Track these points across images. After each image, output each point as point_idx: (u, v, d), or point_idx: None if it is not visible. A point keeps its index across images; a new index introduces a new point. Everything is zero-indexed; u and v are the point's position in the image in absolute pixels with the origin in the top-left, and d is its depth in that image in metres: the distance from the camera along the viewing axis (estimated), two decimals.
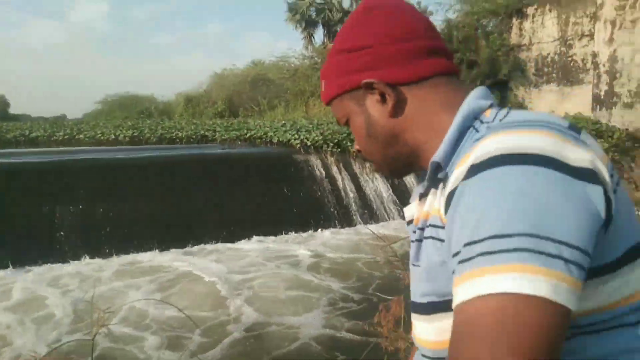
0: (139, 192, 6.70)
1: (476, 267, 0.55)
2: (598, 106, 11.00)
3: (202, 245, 6.58)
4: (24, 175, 6.37)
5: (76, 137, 9.31)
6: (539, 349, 0.51)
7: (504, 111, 0.72)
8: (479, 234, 0.56)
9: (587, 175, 0.58)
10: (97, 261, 5.97)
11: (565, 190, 0.56)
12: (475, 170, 0.60)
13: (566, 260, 0.53)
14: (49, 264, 5.75)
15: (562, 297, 0.53)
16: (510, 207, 0.55)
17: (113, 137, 9.29)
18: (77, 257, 5.97)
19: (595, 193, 0.58)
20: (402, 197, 8.21)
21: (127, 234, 6.32)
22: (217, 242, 6.69)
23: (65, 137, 9.30)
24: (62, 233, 6.10)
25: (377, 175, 8.39)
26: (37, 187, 6.26)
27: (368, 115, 0.82)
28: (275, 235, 7.03)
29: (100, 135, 9.34)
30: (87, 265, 5.88)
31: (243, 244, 6.73)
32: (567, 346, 0.61)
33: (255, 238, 6.90)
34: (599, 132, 10.72)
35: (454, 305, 0.57)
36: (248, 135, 9.47)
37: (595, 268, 0.60)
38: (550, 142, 0.59)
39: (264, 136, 9.28)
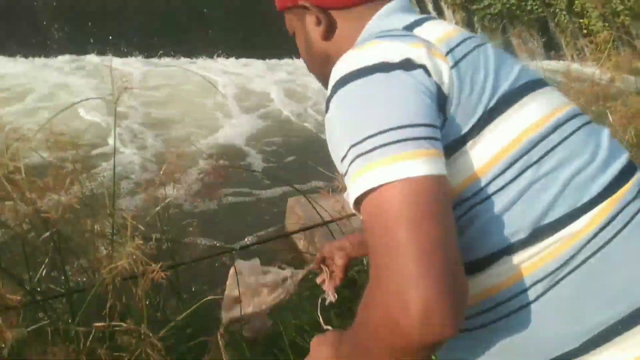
0: None
1: (354, 169, 0.63)
2: None
3: None
4: None
5: None
6: (434, 214, 0.58)
7: (389, 23, 0.78)
8: (342, 150, 0.64)
9: (403, 65, 0.66)
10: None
11: (388, 86, 0.65)
12: (327, 99, 0.70)
13: (415, 139, 0.61)
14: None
15: (428, 168, 0.59)
16: (351, 120, 0.65)
17: None
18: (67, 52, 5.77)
19: (417, 75, 0.65)
20: None
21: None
22: None
23: None
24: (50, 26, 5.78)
25: None
26: None
27: (307, 34, 0.89)
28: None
29: None
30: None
31: None
32: (467, 219, 0.68)
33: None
34: None
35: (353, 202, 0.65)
36: None
37: (460, 137, 0.67)
38: (374, 52, 0.67)
39: None
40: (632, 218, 0.67)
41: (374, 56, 0.67)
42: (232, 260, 1.33)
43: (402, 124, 0.62)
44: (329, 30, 0.86)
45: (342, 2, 0.84)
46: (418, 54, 0.67)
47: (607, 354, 0.64)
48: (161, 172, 1.49)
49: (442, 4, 8.80)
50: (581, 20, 9.81)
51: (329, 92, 0.70)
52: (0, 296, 1.09)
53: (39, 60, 5.60)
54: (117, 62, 5.83)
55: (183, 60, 6.38)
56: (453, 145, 0.67)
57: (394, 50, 0.67)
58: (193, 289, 1.89)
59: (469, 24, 8.88)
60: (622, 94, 3.19)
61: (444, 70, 0.67)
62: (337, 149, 0.67)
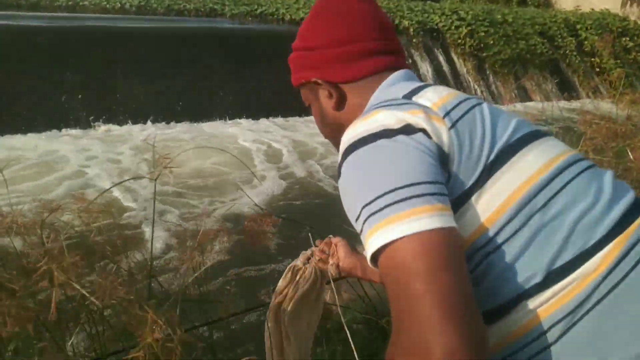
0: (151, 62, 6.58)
1: (368, 228, 0.67)
2: (629, 2, 10.44)
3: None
4: (32, 38, 6.16)
5: (80, 3, 8.90)
6: (447, 265, 0.61)
7: (391, 93, 0.85)
8: (355, 211, 0.69)
9: (404, 130, 0.71)
10: (113, 127, 6.03)
11: (392, 149, 0.69)
12: (338, 166, 0.76)
13: (421, 195, 0.65)
14: (66, 129, 5.81)
15: (436, 221, 0.63)
16: (361, 182, 0.70)
17: (119, 5, 8.89)
18: (87, 125, 6.00)
19: (418, 138, 0.70)
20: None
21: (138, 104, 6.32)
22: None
23: (69, 2, 8.89)
24: (70, 98, 6.05)
25: None
26: (46, 50, 6.08)
27: (321, 105, 0.97)
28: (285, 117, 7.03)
29: (105, 2, 8.93)
30: (103, 132, 5.95)
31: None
32: (483, 268, 0.70)
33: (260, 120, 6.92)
34: (626, 29, 10.30)
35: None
36: (259, 11, 9.07)
37: (465, 191, 0.71)
38: (376, 121, 0.73)
39: (276, 13, 8.92)
40: None
41: (377, 124, 0.73)
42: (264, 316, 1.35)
43: (408, 182, 0.66)
44: (340, 102, 0.93)
45: (349, 76, 0.92)
46: (417, 120, 0.72)
47: None
48: (196, 244, 1.54)
49: (453, 54, 8.98)
50: (593, 59, 9.88)
51: (339, 159, 0.76)
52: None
53: (55, 133, 5.82)
54: (134, 129, 6.06)
55: (195, 125, 6.59)
56: (460, 200, 0.71)
57: (394, 118, 0.73)
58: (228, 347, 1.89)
59: (480, 71, 9.01)
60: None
61: (442, 131, 0.72)
62: (351, 209, 0.71)
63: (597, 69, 9.92)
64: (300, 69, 0.98)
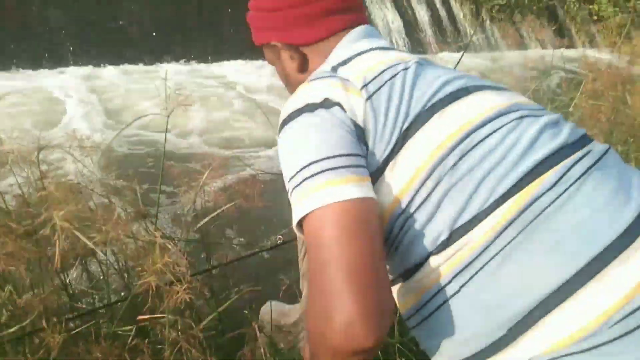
0: None
1: (293, 199, 0.72)
2: None
3: None
4: None
5: None
6: (359, 234, 0.65)
7: (341, 54, 0.86)
8: (285, 182, 0.75)
9: (323, 104, 0.75)
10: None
11: (312, 124, 0.74)
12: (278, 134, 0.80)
13: (336, 168, 0.69)
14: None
15: (350, 192, 0.67)
16: (287, 157, 0.75)
17: None
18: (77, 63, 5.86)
19: (334, 112, 0.74)
20: (410, 29, 7.94)
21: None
22: None
23: None
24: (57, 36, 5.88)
25: (387, 4, 7.97)
26: None
27: (284, 67, 0.97)
28: None
29: None
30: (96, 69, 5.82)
31: None
32: (402, 233, 0.74)
33: None
34: None
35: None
36: None
37: (383, 162, 0.74)
38: (303, 96, 0.78)
39: None
40: (542, 212, 0.68)
41: (302, 99, 0.77)
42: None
43: (323, 156, 0.70)
44: (302, 64, 0.94)
45: (309, 39, 0.91)
46: (334, 93, 0.76)
47: (528, 341, 0.66)
48: (203, 177, 1.53)
49: None
50: (590, 7, 9.69)
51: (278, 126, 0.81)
52: (46, 307, 1.11)
53: (56, 72, 5.69)
54: (132, 69, 5.92)
55: (195, 65, 6.45)
56: (378, 171, 0.75)
57: (316, 92, 0.77)
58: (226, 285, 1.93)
59: (477, 16, 8.84)
60: None
61: (358, 104, 0.75)
62: (285, 179, 0.76)
63: (595, 17, 9.76)
64: (259, 30, 0.97)
